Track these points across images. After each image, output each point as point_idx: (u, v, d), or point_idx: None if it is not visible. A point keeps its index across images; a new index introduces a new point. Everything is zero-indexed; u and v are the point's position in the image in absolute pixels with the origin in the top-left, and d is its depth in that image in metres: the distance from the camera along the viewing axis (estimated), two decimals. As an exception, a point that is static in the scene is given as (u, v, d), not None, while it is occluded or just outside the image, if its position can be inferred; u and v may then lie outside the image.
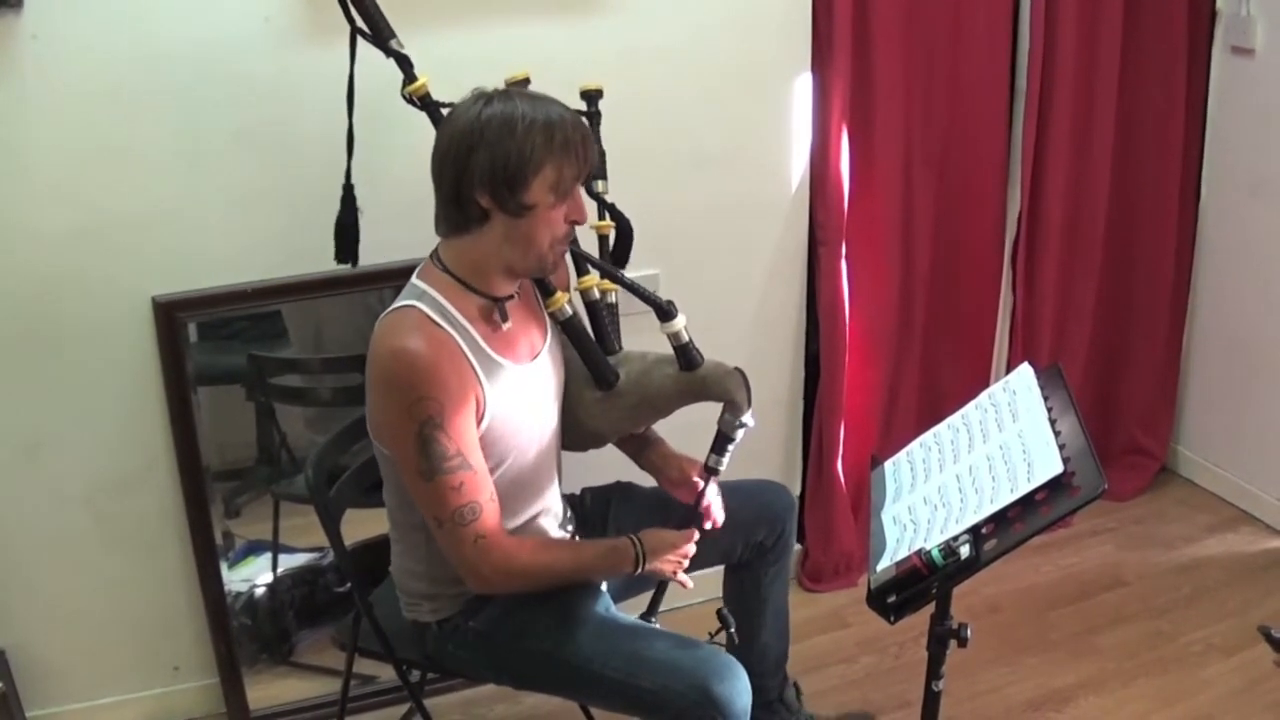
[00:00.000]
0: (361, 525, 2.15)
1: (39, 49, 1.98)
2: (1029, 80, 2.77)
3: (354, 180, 2.03)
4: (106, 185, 2.09)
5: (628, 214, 2.08)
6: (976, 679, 2.55)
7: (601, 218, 2.07)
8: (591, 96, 2.05)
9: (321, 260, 2.24)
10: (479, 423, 1.75)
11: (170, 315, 2.17)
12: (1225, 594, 2.84)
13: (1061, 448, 1.60)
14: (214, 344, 2.32)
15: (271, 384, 2.43)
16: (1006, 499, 1.57)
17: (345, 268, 2.24)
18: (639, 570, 1.86)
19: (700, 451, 1.99)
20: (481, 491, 1.73)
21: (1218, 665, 2.59)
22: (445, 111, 1.81)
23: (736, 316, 2.65)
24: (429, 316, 1.71)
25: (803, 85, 2.54)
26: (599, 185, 2.07)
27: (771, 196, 2.61)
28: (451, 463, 1.69)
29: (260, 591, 2.46)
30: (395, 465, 1.77)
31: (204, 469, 2.28)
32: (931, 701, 1.77)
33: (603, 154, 2.05)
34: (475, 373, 1.73)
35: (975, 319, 2.98)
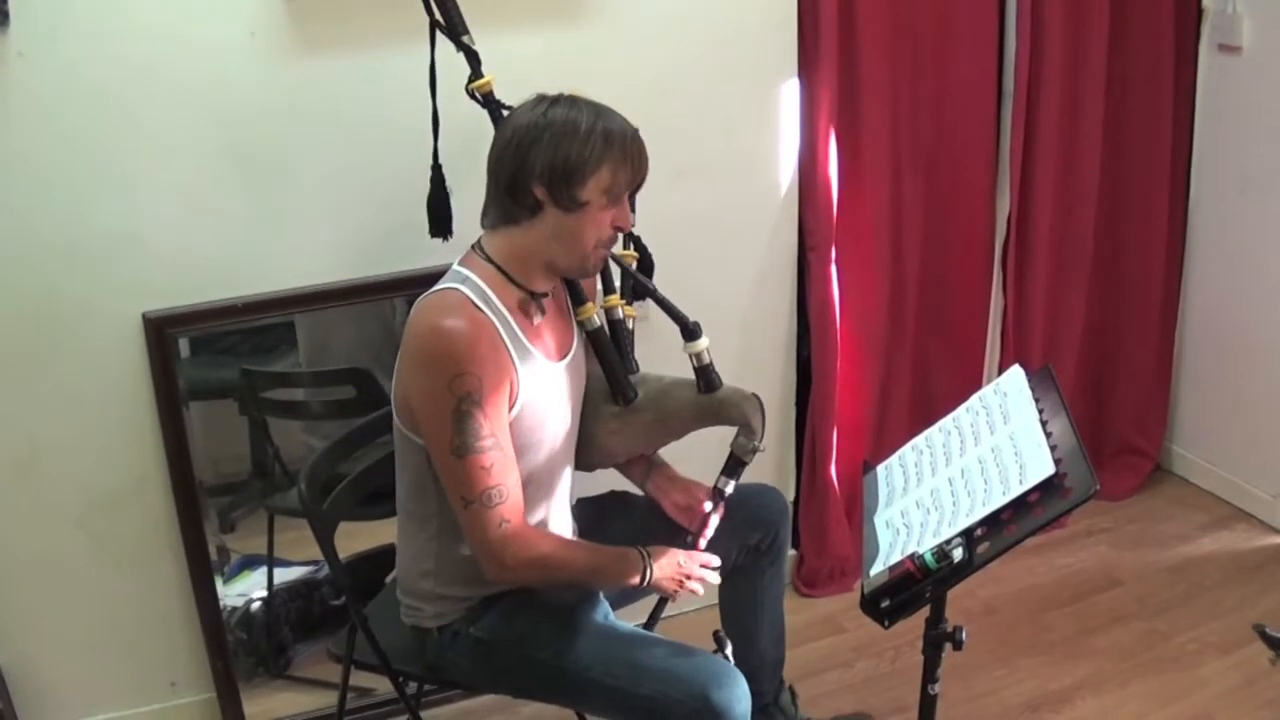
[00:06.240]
0: (357, 538, 2.15)
1: (25, 66, 1.98)
2: (1016, 81, 2.77)
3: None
4: (94, 202, 2.09)
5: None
6: (973, 682, 2.55)
7: (626, 247, 2.10)
8: None
9: (312, 274, 2.25)
10: (510, 408, 1.76)
11: (161, 331, 2.17)
12: (1221, 592, 2.84)
13: (1053, 449, 1.60)
14: (206, 359, 2.32)
15: (264, 398, 2.43)
16: (999, 501, 1.57)
17: (336, 279, 2.26)
18: (644, 583, 1.87)
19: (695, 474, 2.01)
20: (509, 475, 1.74)
21: (1214, 664, 2.58)
22: (505, 112, 1.87)
23: (727, 322, 2.65)
24: (470, 299, 1.73)
25: (789, 90, 2.54)
26: None
27: (760, 202, 2.61)
28: (485, 441, 1.70)
29: (256, 606, 2.45)
30: (421, 447, 1.77)
31: (197, 484, 2.28)
32: (928, 705, 1.77)
33: None
34: (511, 358, 1.75)
35: (966, 321, 2.99)
